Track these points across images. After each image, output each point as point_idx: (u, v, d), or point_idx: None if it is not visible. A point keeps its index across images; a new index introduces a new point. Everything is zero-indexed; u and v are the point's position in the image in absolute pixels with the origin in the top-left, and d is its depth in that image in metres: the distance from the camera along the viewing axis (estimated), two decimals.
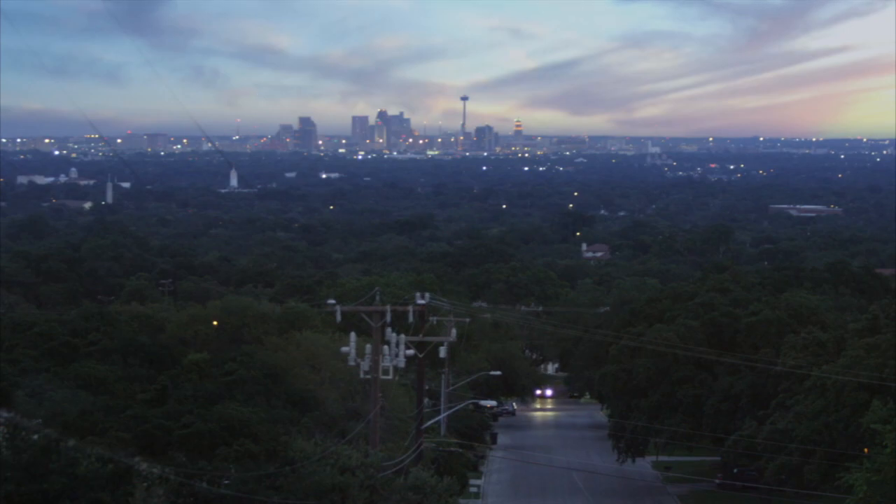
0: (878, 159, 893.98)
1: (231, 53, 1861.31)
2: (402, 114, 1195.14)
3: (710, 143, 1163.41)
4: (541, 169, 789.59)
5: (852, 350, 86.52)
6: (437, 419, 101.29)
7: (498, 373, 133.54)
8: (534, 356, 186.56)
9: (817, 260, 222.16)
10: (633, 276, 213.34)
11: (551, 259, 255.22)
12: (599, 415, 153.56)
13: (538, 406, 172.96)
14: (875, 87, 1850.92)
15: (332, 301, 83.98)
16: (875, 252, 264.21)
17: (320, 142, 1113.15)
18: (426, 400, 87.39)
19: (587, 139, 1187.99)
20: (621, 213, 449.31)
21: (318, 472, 61.13)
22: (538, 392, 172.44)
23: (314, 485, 60.57)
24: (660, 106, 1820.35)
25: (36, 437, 54.94)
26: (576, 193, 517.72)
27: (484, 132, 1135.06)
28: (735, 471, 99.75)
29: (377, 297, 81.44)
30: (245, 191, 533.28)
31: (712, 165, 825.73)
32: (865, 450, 72.23)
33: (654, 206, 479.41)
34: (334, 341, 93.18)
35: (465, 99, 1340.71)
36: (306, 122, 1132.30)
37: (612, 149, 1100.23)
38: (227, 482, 59.26)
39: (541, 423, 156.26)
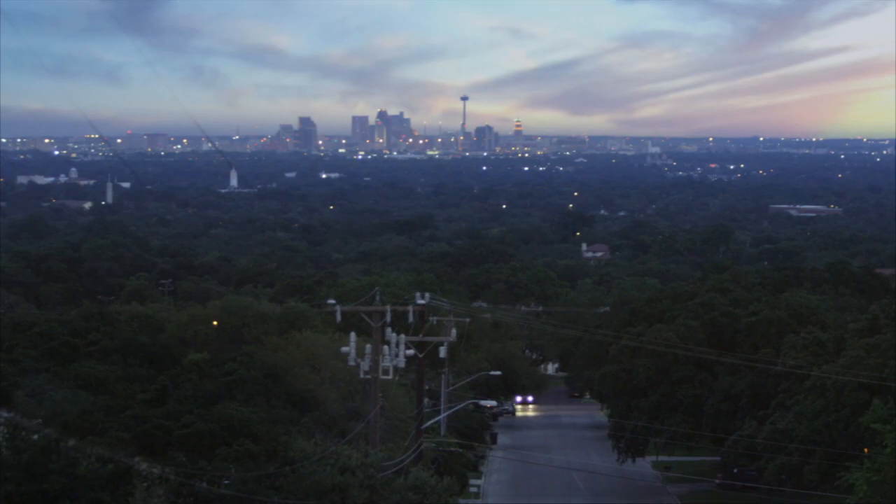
0: (878, 159, 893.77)
1: (231, 53, 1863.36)
2: (402, 114, 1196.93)
3: (710, 143, 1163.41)
4: (541, 169, 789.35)
5: (852, 350, 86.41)
6: (437, 419, 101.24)
7: (498, 373, 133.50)
8: (534, 356, 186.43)
9: (817, 260, 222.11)
10: (633, 276, 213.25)
11: (551, 259, 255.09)
12: (599, 415, 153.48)
13: (519, 409, 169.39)
14: (875, 87, 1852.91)
15: (332, 301, 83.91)
16: (875, 252, 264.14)
17: (320, 142, 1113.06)
18: (426, 400, 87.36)
19: (587, 139, 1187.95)
20: (621, 213, 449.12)
21: (318, 472, 61.12)
22: (518, 399, 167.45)
23: (314, 485, 60.56)
24: (660, 106, 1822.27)
25: (36, 437, 54.93)
26: (576, 193, 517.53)
27: (484, 132, 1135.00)
28: (735, 471, 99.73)
29: (377, 297, 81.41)
30: (245, 191, 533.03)
31: (712, 165, 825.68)
32: (865, 450, 72.16)
33: (654, 206, 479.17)
34: (334, 341, 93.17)
35: (465, 99, 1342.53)
36: (306, 122, 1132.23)
37: (612, 149, 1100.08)
38: (227, 482, 59.25)
39: (541, 423, 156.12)
